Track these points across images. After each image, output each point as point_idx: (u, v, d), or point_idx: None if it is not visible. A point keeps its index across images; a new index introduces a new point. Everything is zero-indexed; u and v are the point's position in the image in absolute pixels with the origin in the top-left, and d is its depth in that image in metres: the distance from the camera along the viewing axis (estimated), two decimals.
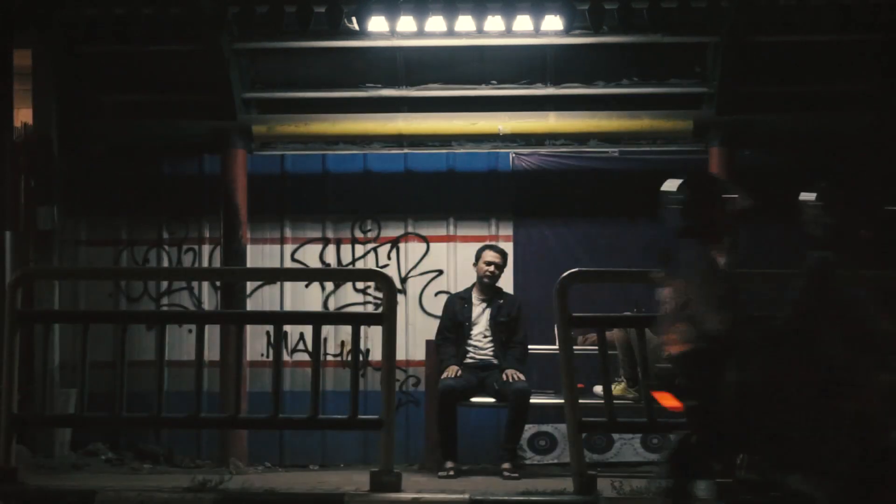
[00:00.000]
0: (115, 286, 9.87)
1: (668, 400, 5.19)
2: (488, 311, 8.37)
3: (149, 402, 6.98)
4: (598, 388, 7.55)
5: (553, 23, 8.96)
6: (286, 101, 9.73)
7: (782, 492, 5.06)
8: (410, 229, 9.97)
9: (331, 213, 9.99)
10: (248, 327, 9.24)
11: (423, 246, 9.94)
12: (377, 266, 9.77)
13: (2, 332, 6.79)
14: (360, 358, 9.19)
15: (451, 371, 8.12)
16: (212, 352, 8.39)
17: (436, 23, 8.94)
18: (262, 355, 9.68)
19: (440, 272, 9.87)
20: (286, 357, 9.56)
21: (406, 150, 9.92)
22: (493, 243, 8.79)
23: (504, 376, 8.06)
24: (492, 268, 8.41)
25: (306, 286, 9.84)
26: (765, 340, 5.19)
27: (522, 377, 8.07)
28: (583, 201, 9.78)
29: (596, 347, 7.09)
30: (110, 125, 9.70)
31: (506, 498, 6.46)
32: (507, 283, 9.18)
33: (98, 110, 9.67)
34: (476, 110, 9.58)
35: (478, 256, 8.51)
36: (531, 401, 8.05)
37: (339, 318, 9.42)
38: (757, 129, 9.42)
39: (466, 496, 6.40)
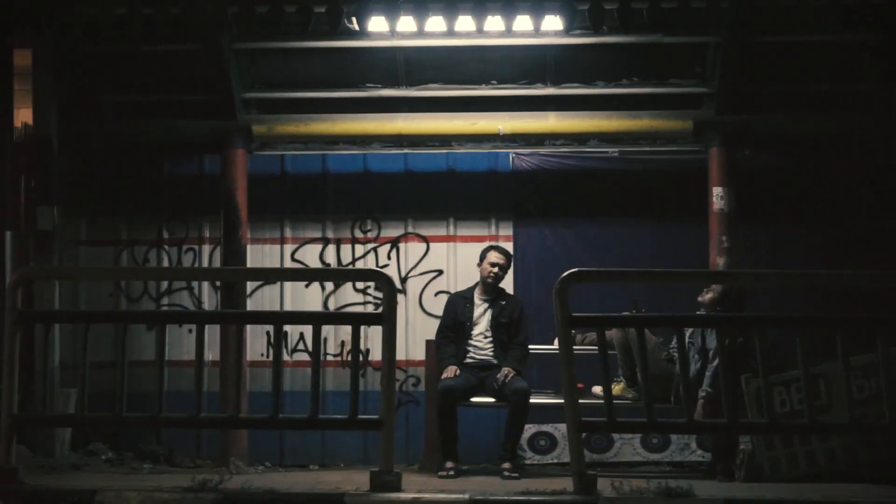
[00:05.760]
0: (115, 286, 9.87)
1: None
2: (490, 311, 8.36)
3: (149, 402, 6.95)
4: (597, 389, 7.55)
5: (553, 23, 8.95)
6: (286, 101, 9.73)
7: None
8: (410, 229, 9.97)
9: (331, 213, 9.99)
10: (248, 327, 9.24)
11: (423, 246, 9.94)
12: (377, 266, 9.77)
13: (2, 332, 6.78)
14: (360, 358, 9.19)
15: (451, 371, 8.12)
16: (212, 352, 8.41)
17: (436, 23, 8.93)
18: (262, 355, 9.68)
19: (440, 272, 9.87)
20: (286, 357, 9.56)
21: (406, 150, 9.91)
22: (498, 244, 8.78)
23: (500, 374, 8.07)
24: (496, 269, 8.41)
25: (306, 286, 9.84)
26: None
27: (514, 372, 8.07)
28: (583, 201, 9.79)
29: (595, 347, 7.08)
30: (110, 125, 9.70)
31: (506, 498, 6.44)
32: (507, 283, 9.18)
33: (98, 110, 9.67)
34: (476, 110, 9.58)
35: (482, 256, 8.50)
36: (531, 401, 8.06)
37: (339, 318, 9.42)
38: (757, 129, 9.41)
39: (466, 496, 6.38)
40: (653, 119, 9.51)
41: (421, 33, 9.02)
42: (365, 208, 9.97)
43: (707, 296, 8.16)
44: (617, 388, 8.04)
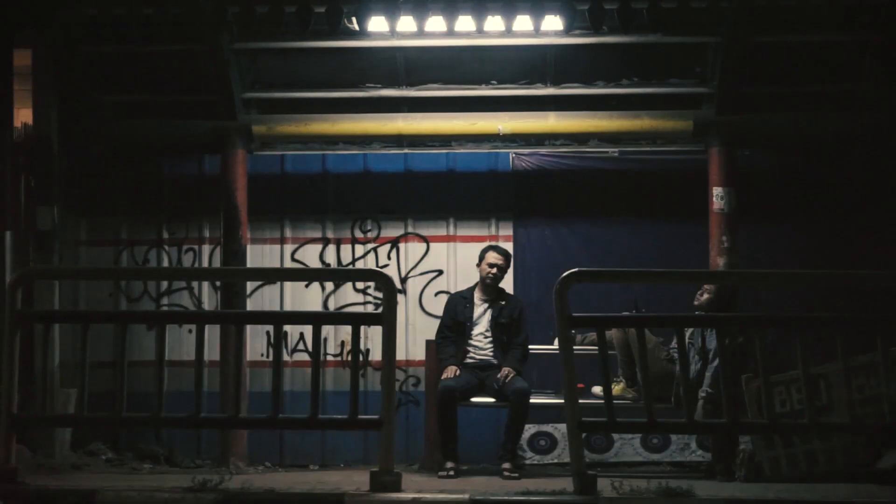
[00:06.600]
0: (115, 286, 9.87)
1: None
2: (490, 311, 8.36)
3: (149, 402, 6.96)
4: (597, 389, 7.55)
5: (553, 23, 8.95)
6: (286, 101, 9.72)
7: None
8: (410, 229, 9.96)
9: (331, 213, 9.99)
10: (248, 327, 9.24)
11: (423, 246, 9.94)
12: (377, 266, 9.76)
13: (2, 332, 6.78)
14: (360, 358, 9.19)
15: (450, 371, 8.13)
16: (212, 352, 8.39)
17: (436, 23, 8.93)
18: (262, 355, 9.68)
19: (440, 272, 9.87)
20: (286, 357, 9.56)
21: (406, 150, 9.91)
22: (497, 244, 8.77)
23: (500, 374, 8.07)
24: (494, 270, 8.41)
25: (306, 286, 9.84)
26: None
27: (514, 372, 8.07)
28: (583, 201, 9.79)
29: (595, 347, 7.08)
30: (110, 125, 9.70)
31: (506, 498, 6.45)
32: (507, 283, 9.17)
33: (98, 110, 9.67)
34: (476, 110, 9.58)
35: (481, 257, 8.50)
36: (531, 401, 8.06)
37: (339, 318, 9.42)
38: (757, 129, 9.41)
39: (466, 496, 6.38)
40: (653, 119, 9.51)
41: (421, 33, 9.02)
42: (365, 208, 9.97)
43: (703, 297, 8.17)
44: (617, 388, 8.03)
